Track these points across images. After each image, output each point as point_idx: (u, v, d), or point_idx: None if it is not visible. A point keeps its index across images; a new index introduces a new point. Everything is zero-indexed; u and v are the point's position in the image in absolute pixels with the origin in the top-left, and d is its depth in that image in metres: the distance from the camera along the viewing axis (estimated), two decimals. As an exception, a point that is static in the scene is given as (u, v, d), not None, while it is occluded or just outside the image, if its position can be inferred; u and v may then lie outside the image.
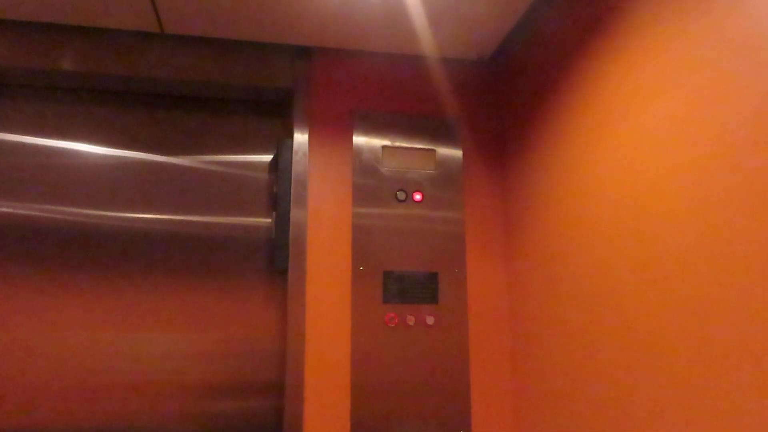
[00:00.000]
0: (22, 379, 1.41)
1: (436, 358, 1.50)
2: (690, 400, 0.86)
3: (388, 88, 1.65)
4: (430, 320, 1.51)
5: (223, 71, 1.57)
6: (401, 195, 1.57)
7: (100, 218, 1.52)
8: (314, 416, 1.42)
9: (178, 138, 1.61)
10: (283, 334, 1.54)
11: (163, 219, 1.55)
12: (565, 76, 1.30)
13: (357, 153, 1.58)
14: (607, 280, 1.10)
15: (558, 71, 1.33)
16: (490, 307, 1.58)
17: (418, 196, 1.58)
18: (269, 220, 1.60)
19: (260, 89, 1.61)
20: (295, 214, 1.51)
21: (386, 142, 1.60)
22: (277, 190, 1.55)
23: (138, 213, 1.54)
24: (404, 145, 1.61)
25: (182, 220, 1.56)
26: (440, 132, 1.64)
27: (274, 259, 1.52)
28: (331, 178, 1.56)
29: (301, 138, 1.56)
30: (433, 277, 1.54)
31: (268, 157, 1.65)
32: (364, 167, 1.57)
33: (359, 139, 1.58)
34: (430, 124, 1.63)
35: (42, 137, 1.54)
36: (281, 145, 1.56)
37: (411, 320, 1.50)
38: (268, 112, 1.68)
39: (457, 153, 1.63)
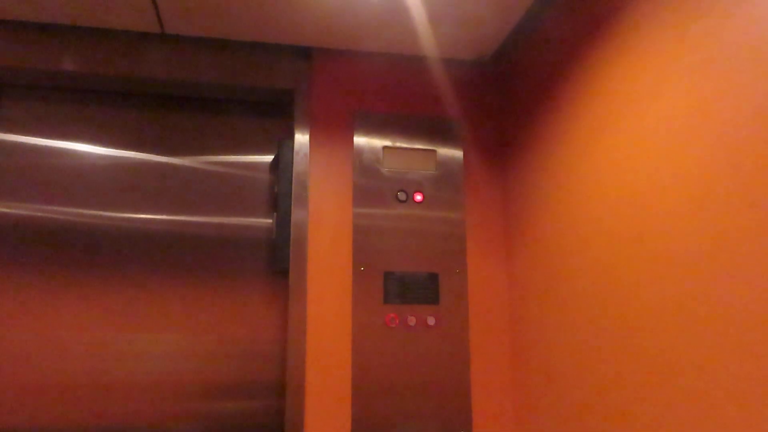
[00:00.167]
0: (23, 379, 1.41)
1: (436, 359, 1.50)
2: (690, 400, 0.86)
3: (388, 89, 1.65)
4: (430, 321, 1.51)
5: (224, 72, 1.57)
6: (402, 195, 1.57)
7: (101, 219, 1.52)
8: (315, 416, 1.42)
9: (179, 138, 1.61)
10: (284, 335, 1.55)
11: (164, 219, 1.55)
12: (566, 77, 1.30)
13: (358, 153, 1.58)
14: (607, 280, 1.10)
15: (558, 72, 1.33)
16: (491, 307, 1.58)
17: (418, 197, 1.58)
18: (270, 221, 1.60)
19: (261, 90, 1.61)
20: (295, 214, 1.51)
21: (387, 143, 1.60)
22: (278, 191, 1.55)
23: (139, 213, 1.54)
24: (405, 145, 1.61)
25: (183, 221, 1.56)
26: (441, 132, 1.64)
27: (275, 259, 1.52)
28: (332, 178, 1.56)
29: (301, 138, 1.56)
30: (433, 278, 1.54)
31: (268, 158, 1.65)
32: (365, 168, 1.57)
33: (360, 140, 1.58)
34: (430, 125, 1.64)
35: (42, 137, 1.54)
36: (282, 146, 1.56)
37: (412, 321, 1.50)
38: (268, 113, 1.68)
39: (457, 153, 1.63)
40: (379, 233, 1.54)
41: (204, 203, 1.58)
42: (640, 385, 0.99)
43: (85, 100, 1.58)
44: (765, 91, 0.75)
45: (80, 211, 1.51)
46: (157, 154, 1.59)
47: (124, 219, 1.53)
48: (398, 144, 1.60)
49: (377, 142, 1.59)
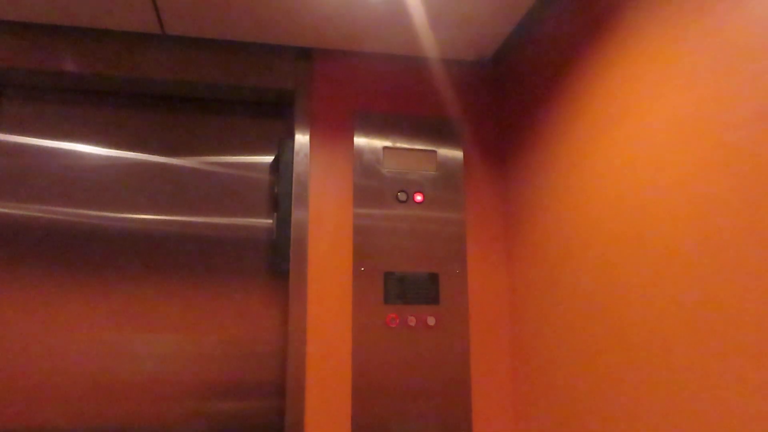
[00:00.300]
0: (23, 379, 1.41)
1: (437, 359, 1.50)
2: (690, 400, 0.87)
3: (389, 89, 1.65)
4: (431, 321, 1.51)
5: (224, 72, 1.57)
6: (402, 196, 1.57)
7: (102, 219, 1.52)
8: (315, 417, 1.42)
9: (179, 139, 1.61)
10: (284, 335, 1.55)
11: (165, 220, 1.55)
12: (566, 77, 1.30)
13: (358, 154, 1.58)
14: (608, 280, 1.10)
15: (559, 72, 1.34)
16: (491, 307, 1.58)
17: (419, 197, 1.58)
18: (270, 221, 1.61)
19: (261, 90, 1.61)
20: (296, 214, 1.51)
21: (387, 143, 1.60)
22: (279, 191, 1.55)
23: (139, 214, 1.54)
24: (405, 146, 1.61)
25: (183, 221, 1.56)
26: (441, 133, 1.64)
27: (275, 259, 1.52)
28: (333, 179, 1.56)
29: (302, 139, 1.56)
30: (434, 278, 1.54)
31: (269, 158, 1.65)
32: (365, 168, 1.57)
33: (360, 140, 1.59)
34: (431, 125, 1.64)
35: (42, 138, 1.54)
36: (282, 146, 1.57)
37: (412, 321, 1.50)
38: (269, 113, 1.68)
39: (458, 154, 1.63)
40: (380, 233, 1.54)
41: (204, 204, 1.58)
42: (640, 384, 0.99)
43: (85, 101, 1.58)
44: (765, 91, 0.75)
45: (80, 211, 1.51)
46: (157, 154, 1.59)
47: (124, 219, 1.53)
48: (398, 144, 1.61)
49: (377, 143, 1.59)
